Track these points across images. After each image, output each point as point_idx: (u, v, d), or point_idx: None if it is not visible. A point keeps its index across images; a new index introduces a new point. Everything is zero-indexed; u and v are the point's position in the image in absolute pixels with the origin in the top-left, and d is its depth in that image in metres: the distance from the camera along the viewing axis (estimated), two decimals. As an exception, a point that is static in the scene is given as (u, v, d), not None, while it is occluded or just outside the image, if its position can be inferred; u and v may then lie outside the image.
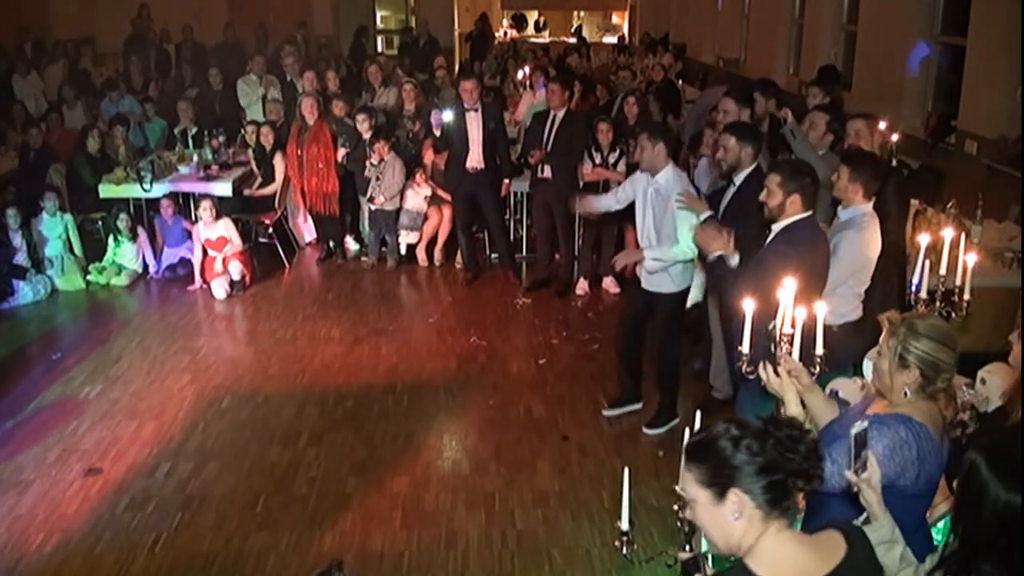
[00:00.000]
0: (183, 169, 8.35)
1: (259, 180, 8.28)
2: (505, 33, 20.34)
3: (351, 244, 8.44)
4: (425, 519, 4.41)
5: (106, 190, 7.97)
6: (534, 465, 4.88)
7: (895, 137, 5.60)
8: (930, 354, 2.46)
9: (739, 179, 4.57)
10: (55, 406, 5.58)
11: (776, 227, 3.82)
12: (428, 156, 8.01)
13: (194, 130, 9.17)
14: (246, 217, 8.20)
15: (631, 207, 5.21)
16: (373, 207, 7.92)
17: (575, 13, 21.76)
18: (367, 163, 7.82)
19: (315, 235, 8.57)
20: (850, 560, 1.89)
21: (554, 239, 7.49)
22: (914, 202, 5.48)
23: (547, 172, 7.15)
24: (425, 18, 15.21)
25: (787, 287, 2.76)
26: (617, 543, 2.63)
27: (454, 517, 4.42)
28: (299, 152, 7.84)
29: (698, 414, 2.69)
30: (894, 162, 5.42)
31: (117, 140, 8.65)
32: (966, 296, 3.44)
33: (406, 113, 8.65)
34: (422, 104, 8.74)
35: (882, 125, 5.34)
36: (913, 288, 3.47)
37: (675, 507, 2.67)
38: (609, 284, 7.45)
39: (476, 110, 7.31)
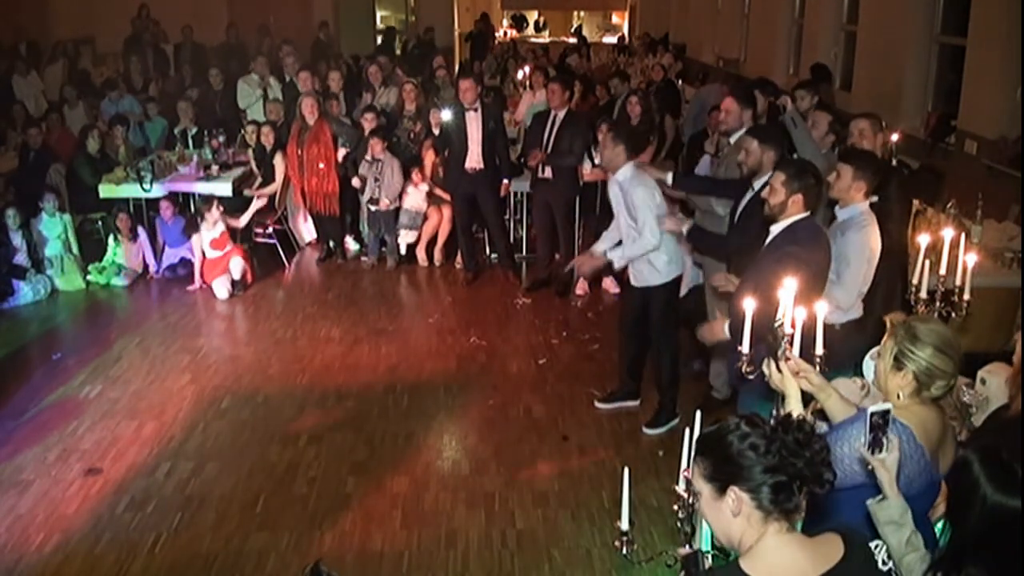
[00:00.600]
0: (183, 169, 8.36)
1: (259, 180, 8.28)
2: (505, 33, 20.35)
3: (351, 244, 8.44)
4: (425, 519, 4.41)
5: (106, 190, 7.97)
6: (534, 465, 4.88)
7: (895, 137, 5.60)
8: (926, 360, 2.45)
9: (759, 184, 4.44)
10: (55, 406, 5.58)
11: (775, 228, 3.78)
12: (428, 157, 8.02)
13: (194, 130, 9.17)
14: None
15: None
16: (374, 208, 7.92)
17: (575, 13, 21.78)
18: (363, 160, 7.84)
19: (315, 235, 8.57)
20: (846, 563, 1.88)
21: (554, 239, 7.49)
22: (914, 202, 5.48)
23: (548, 172, 7.15)
24: (414, 23, 15.24)
25: (787, 287, 2.76)
26: (617, 543, 2.63)
27: (454, 517, 4.42)
28: (299, 152, 7.84)
29: (698, 414, 2.69)
30: (894, 162, 5.41)
31: (117, 140, 8.66)
32: (966, 296, 3.43)
33: (406, 113, 8.65)
34: (422, 104, 8.74)
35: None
36: (913, 288, 3.47)
37: (675, 507, 2.68)
38: (609, 284, 7.44)
39: (475, 110, 7.31)
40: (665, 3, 17.84)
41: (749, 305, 2.79)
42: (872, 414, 2.20)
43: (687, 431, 2.67)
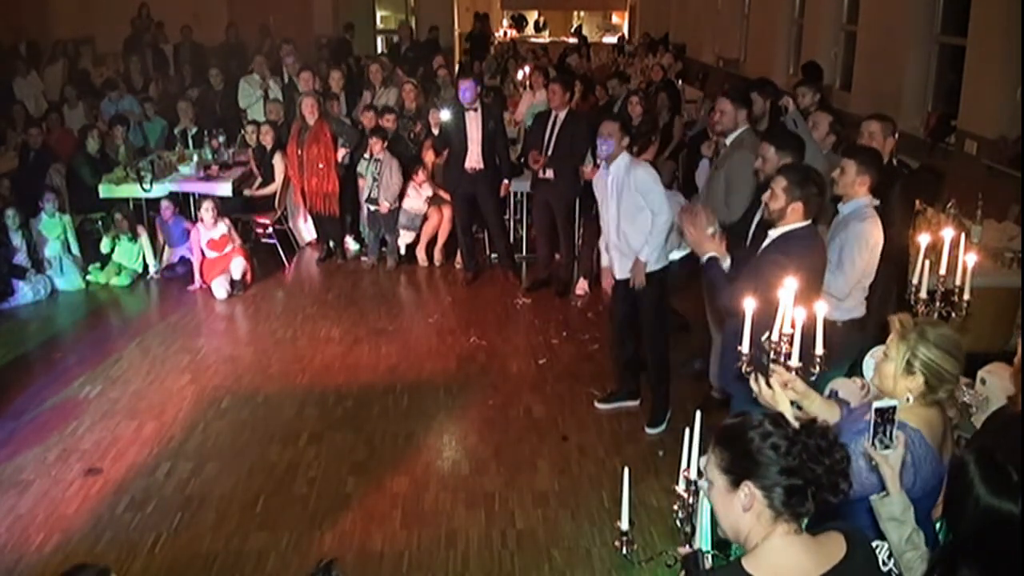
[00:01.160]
0: (183, 169, 8.36)
1: (259, 180, 8.28)
2: (505, 33, 20.35)
3: (351, 244, 8.44)
4: (425, 519, 4.41)
5: (106, 190, 7.97)
6: (534, 465, 4.88)
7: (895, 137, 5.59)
8: (937, 363, 2.46)
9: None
10: (55, 406, 5.58)
11: (773, 233, 3.71)
12: (429, 157, 8.02)
13: (194, 130, 9.18)
14: (246, 217, 8.21)
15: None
16: (373, 208, 7.92)
17: (575, 13, 21.78)
18: (362, 158, 7.83)
19: (315, 235, 8.57)
20: (848, 562, 1.89)
21: (554, 239, 7.49)
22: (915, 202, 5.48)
23: (548, 172, 7.14)
24: (409, 26, 15.26)
25: (787, 288, 2.75)
26: (617, 543, 2.63)
27: (454, 517, 4.42)
28: (299, 152, 7.83)
29: (698, 414, 2.69)
30: (894, 162, 5.41)
31: (117, 140, 8.66)
32: (966, 296, 3.43)
33: (407, 113, 8.65)
34: (422, 104, 8.74)
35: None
36: (913, 288, 3.47)
37: (675, 507, 2.68)
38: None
39: (475, 110, 7.31)
40: (665, 3, 17.84)
41: (749, 305, 2.79)
42: (877, 409, 2.20)
43: (687, 431, 2.67)
